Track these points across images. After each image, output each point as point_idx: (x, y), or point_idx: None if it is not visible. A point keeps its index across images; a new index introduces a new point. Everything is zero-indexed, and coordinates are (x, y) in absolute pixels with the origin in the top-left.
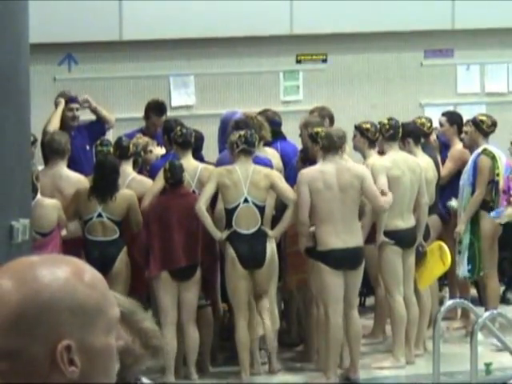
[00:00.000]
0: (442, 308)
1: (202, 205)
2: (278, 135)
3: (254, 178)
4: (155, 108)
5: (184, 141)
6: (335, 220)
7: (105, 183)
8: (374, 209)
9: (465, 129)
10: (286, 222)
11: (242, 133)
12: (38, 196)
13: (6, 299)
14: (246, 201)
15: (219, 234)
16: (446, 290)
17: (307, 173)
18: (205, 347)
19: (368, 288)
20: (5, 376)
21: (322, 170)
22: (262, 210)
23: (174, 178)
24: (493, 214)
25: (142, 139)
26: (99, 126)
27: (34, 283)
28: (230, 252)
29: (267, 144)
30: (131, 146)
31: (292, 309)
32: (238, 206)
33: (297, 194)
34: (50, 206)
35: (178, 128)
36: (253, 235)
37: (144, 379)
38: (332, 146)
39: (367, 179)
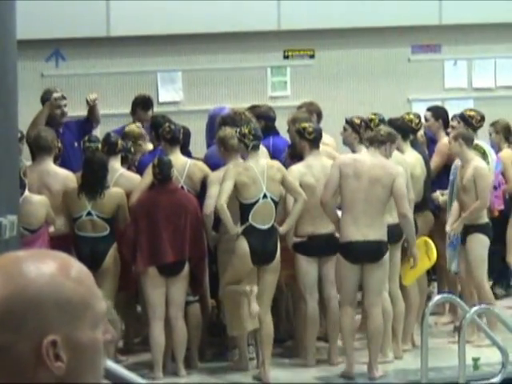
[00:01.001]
0: (430, 303)
1: (223, 202)
2: (271, 130)
3: (270, 172)
4: (142, 103)
5: (172, 137)
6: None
7: (93, 180)
8: None
9: (452, 123)
10: (294, 218)
11: (248, 129)
12: (26, 192)
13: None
14: (264, 196)
15: (236, 229)
16: (435, 285)
17: (343, 161)
18: (193, 343)
19: None
20: None
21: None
22: (277, 205)
23: (163, 173)
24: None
25: (139, 129)
26: (89, 124)
27: (20, 279)
28: (244, 246)
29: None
30: (119, 142)
31: (281, 304)
32: (258, 201)
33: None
34: (37, 202)
35: (167, 124)
36: (268, 231)
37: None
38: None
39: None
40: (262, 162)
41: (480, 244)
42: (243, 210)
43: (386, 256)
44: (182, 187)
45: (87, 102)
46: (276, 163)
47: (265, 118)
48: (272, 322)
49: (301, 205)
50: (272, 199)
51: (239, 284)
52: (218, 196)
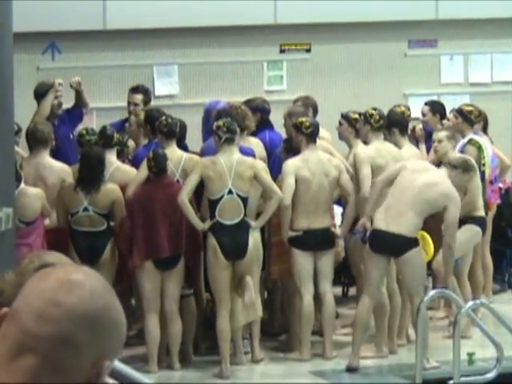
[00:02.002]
0: (425, 298)
1: (184, 197)
2: (266, 124)
3: (239, 168)
4: (132, 88)
5: (169, 130)
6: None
7: (90, 175)
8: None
9: (450, 117)
10: (268, 213)
11: (222, 122)
12: (22, 185)
13: (95, 298)
14: (230, 192)
15: (201, 225)
16: (430, 279)
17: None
18: (188, 337)
19: (350, 278)
20: (35, 369)
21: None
22: (245, 201)
23: (158, 166)
24: None
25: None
26: (79, 111)
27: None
28: (213, 242)
29: (254, 133)
30: (115, 135)
31: (275, 299)
32: (222, 197)
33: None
34: (33, 195)
35: (164, 117)
36: (236, 226)
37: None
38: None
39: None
40: (233, 157)
41: (469, 236)
42: (210, 205)
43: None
44: (178, 181)
45: (71, 86)
46: (250, 160)
47: (260, 111)
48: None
49: (275, 202)
50: (238, 195)
51: (222, 280)
52: (181, 190)
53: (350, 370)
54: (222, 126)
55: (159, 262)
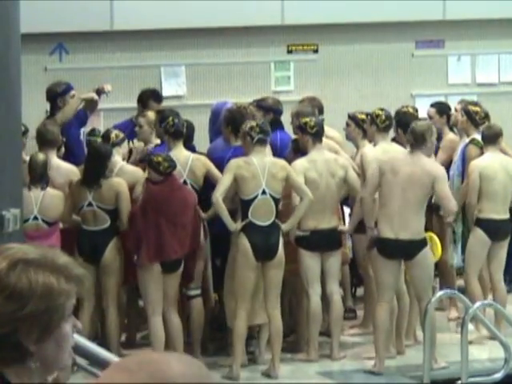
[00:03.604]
0: (432, 298)
1: (218, 196)
2: (278, 124)
3: (272, 169)
4: (153, 95)
5: (176, 131)
6: None
7: (93, 169)
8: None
9: (456, 115)
10: (299, 216)
11: (255, 123)
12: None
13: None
14: (263, 192)
15: (234, 226)
16: (437, 280)
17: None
18: (195, 337)
19: (358, 278)
20: None
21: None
22: (277, 202)
23: (172, 167)
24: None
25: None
26: (84, 114)
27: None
28: (245, 243)
29: None
30: (112, 135)
31: (283, 299)
32: (256, 197)
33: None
34: (56, 196)
35: (171, 118)
36: (268, 227)
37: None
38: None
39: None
40: (265, 158)
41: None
42: (243, 206)
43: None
44: (185, 181)
45: (101, 89)
46: (281, 161)
47: (274, 111)
48: (282, 316)
49: (306, 203)
50: (271, 196)
51: (249, 281)
52: (215, 189)
53: (373, 373)
54: (256, 126)
55: (166, 264)
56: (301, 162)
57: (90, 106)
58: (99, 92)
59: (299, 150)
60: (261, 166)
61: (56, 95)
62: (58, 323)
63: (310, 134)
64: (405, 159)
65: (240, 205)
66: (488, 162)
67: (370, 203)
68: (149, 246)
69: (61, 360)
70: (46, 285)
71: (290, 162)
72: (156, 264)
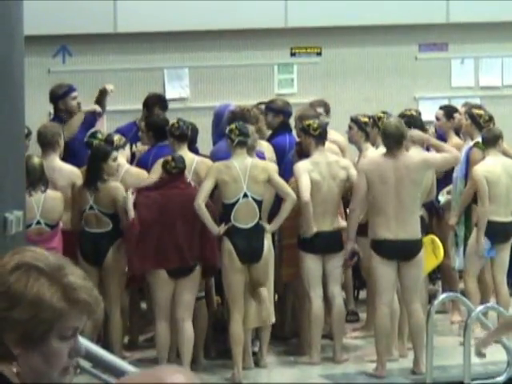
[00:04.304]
0: (435, 301)
1: (201, 202)
2: (287, 127)
3: (253, 172)
4: (159, 102)
5: (181, 133)
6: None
7: (91, 172)
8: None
9: (460, 119)
10: (283, 217)
11: (234, 125)
12: (48, 190)
13: None
14: (245, 196)
15: (217, 229)
16: (439, 283)
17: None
18: (198, 340)
19: (360, 281)
20: None
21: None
22: (260, 204)
23: (178, 167)
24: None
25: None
26: (92, 118)
27: None
28: (228, 246)
29: (274, 136)
30: (116, 138)
31: (286, 303)
32: (238, 201)
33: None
34: (58, 198)
35: (175, 121)
36: (251, 230)
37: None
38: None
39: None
40: (246, 160)
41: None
42: (225, 210)
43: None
44: (190, 184)
45: (104, 90)
46: (263, 163)
47: (283, 113)
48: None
49: (290, 204)
50: (253, 198)
51: (236, 283)
52: (197, 195)
53: (375, 377)
54: (235, 129)
55: (172, 270)
56: (303, 163)
57: (102, 103)
58: (103, 94)
59: (303, 153)
60: (242, 169)
61: (58, 97)
62: (44, 336)
63: (312, 136)
64: (390, 164)
65: (222, 209)
66: (490, 166)
67: (356, 216)
68: (146, 252)
69: (49, 376)
70: (37, 295)
71: (294, 164)
72: (161, 270)
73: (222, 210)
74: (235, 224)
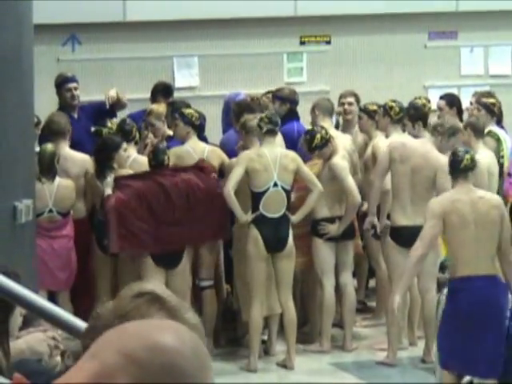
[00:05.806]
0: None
1: (230, 189)
2: (295, 115)
3: (283, 161)
4: (163, 90)
5: (201, 124)
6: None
7: (100, 161)
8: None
9: (473, 109)
10: (309, 207)
11: (264, 114)
12: (58, 178)
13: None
14: (275, 185)
15: (245, 217)
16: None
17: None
18: (208, 328)
19: (370, 270)
20: None
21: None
22: (289, 193)
23: (156, 160)
24: None
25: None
26: (105, 107)
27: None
28: (255, 234)
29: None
30: (134, 129)
31: (295, 291)
32: (268, 189)
33: None
34: (69, 186)
35: (194, 110)
36: (278, 219)
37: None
38: None
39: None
40: (276, 149)
41: None
42: (254, 198)
43: None
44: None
45: (109, 100)
46: (291, 153)
47: (290, 101)
48: (294, 307)
49: (316, 195)
50: (283, 188)
51: (260, 272)
52: (227, 182)
53: (386, 365)
54: (264, 117)
55: (159, 259)
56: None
57: (116, 106)
58: (112, 102)
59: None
60: (272, 158)
61: (56, 87)
62: None
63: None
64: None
65: (251, 197)
66: (489, 157)
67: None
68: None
69: None
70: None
71: (303, 152)
72: (148, 259)
73: (251, 198)
74: (263, 213)
